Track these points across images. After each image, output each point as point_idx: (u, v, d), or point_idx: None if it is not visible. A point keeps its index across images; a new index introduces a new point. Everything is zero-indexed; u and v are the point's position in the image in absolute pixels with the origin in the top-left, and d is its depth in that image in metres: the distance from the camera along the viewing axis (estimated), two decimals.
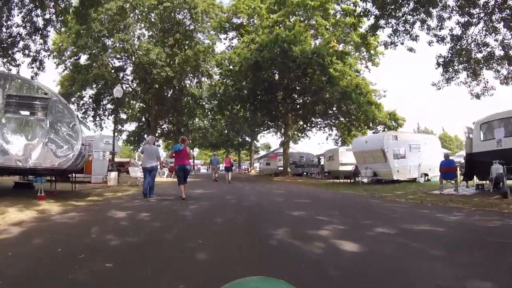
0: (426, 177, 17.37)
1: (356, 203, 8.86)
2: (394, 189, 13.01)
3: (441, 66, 16.15)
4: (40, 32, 16.68)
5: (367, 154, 16.28)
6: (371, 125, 24.46)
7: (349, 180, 18.75)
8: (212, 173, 21.95)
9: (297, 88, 24.94)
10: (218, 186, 16.23)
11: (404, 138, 16.56)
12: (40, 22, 16.58)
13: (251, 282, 0.85)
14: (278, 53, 20.65)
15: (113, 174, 15.55)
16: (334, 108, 25.98)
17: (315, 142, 72.74)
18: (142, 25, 26.86)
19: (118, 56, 26.12)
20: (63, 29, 19.68)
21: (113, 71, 26.37)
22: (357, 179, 18.37)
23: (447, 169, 12.03)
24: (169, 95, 29.86)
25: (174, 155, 9.32)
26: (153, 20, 26.17)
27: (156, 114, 28.76)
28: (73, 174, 14.07)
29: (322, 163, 28.09)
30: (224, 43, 29.01)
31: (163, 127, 42.74)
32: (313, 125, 32.17)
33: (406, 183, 15.66)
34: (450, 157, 13.49)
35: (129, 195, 10.63)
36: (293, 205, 7.98)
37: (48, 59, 18.18)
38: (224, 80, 27.07)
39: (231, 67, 25.63)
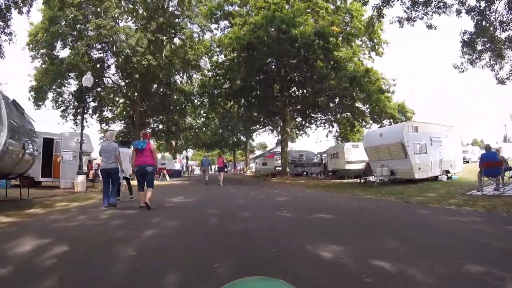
0: (447, 175, 15.04)
1: (401, 217, 6.19)
2: (421, 190, 10.63)
3: (465, 44, 13.94)
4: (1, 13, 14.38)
5: (382, 149, 13.82)
6: (377, 118, 22.12)
7: (358, 180, 16.34)
8: (204, 175, 19.82)
9: (296, 78, 22.38)
10: (205, 191, 13.73)
11: (425, 129, 14.10)
12: (2, 2, 14.38)
13: (251, 282, 0.82)
14: (275, 36, 18.01)
15: (81, 178, 12.99)
16: (337, 101, 23.61)
17: (313, 141, 70.20)
18: (129, 18, 24.36)
19: (98, 46, 23.44)
20: (35, 16, 17.23)
21: (90, 62, 23.60)
22: (368, 178, 16.02)
23: (490, 163, 9.66)
24: (157, 90, 27.21)
25: (135, 153, 7.17)
26: (140, 12, 23.66)
27: (142, 111, 26.11)
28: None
29: (324, 161, 25.70)
30: (216, 34, 25.91)
31: (152, 126, 40.39)
32: (312, 121, 29.79)
33: (428, 182, 13.26)
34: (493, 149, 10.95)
35: (84, 206, 8.09)
36: (312, 227, 5.05)
37: (9, 44, 15.65)
38: (215, 71, 24.53)
39: (222, 56, 23.18)
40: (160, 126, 40.38)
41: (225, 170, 23.05)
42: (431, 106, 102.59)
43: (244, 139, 53.47)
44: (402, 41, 78.02)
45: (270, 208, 7.57)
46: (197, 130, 47.93)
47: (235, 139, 54.42)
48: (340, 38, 18.93)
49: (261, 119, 31.76)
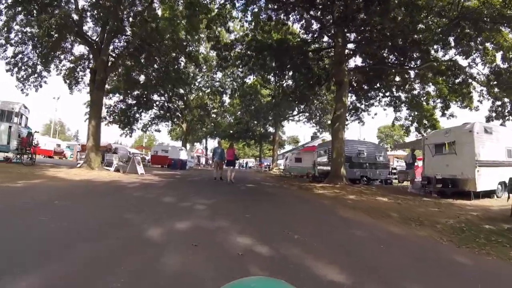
0: None
1: None
2: None
3: None
4: None
5: None
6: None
7: None
8: (214, 169, 15.04)
9: None
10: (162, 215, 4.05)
11: None
12: None
13: (251, 282, 0.82)
14: None
15: None
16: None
17: (352, 134, 58.60)
18: None
19: None
20: None
21: None
22: None
23: None
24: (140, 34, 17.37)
25: None
26: None
27: (107, 63, 16.13)
28: None
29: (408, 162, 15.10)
30: None
31: (156, 102, 31.80)
32: (376, 96, 19.67)
33: None
34: None
35: None
36: None
37: None
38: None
39: None
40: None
41: (235, 164, 15.25)
42: None
43: (273, 130, 43.22)
44: None
45: None
46: (214, 115, 38.80)
47: (263, 130, 44.55)
48: None
49: (295, 100, 21.97)
